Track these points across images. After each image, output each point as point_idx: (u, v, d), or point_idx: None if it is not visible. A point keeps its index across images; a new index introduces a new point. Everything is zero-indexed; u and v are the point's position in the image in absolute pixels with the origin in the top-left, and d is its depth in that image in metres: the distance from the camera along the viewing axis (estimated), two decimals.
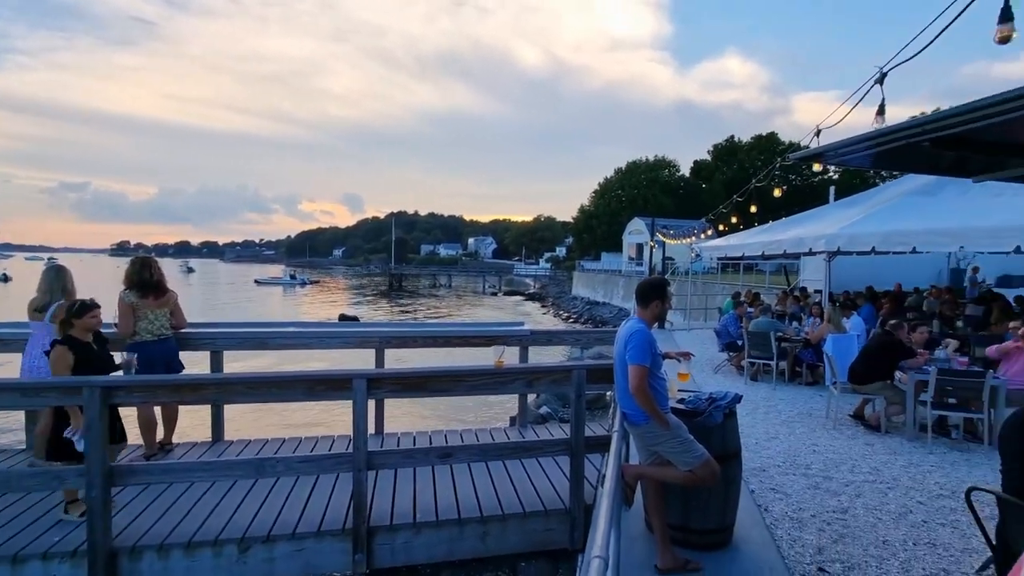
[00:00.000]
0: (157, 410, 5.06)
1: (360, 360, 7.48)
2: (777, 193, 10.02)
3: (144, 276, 4.88)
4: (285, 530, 3.70)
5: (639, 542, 3.29)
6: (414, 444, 5.39)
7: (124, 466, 3.56)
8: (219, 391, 3.70)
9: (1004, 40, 1.83)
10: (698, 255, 13.35)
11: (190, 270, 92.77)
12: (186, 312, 5.23)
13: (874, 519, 3.71)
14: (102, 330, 4.13)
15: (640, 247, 40.24)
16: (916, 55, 2.37)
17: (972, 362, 6.09)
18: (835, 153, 2.48)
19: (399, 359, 8.28)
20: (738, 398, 3.42)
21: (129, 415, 4.82)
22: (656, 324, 3.17)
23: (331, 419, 9.84)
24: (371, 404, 5.03)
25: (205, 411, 5.58)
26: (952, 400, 5.23)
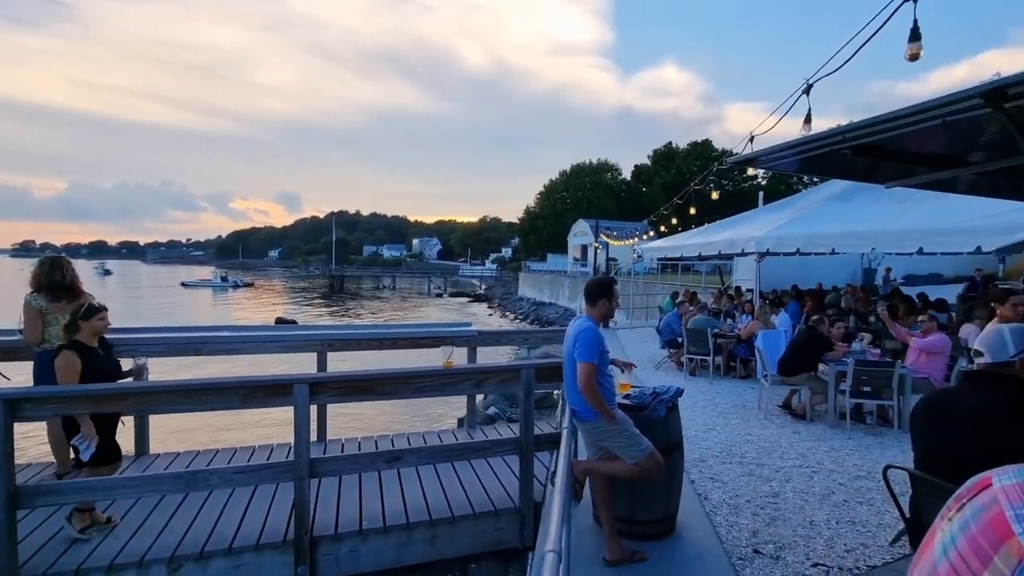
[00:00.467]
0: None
1: (302, 365, 7.18)
2: (715, 196, 10.55)
3: (54, 278, 4.44)
4: (220, 546, 3.48)
5: (587, 536, 3.35)
6: (359, 449, 5.24)
7: (31, 487, 3.22)
8: (143, 400, 3.43)
9: (913, 57, 2.02)
10: (640, 256, 13.81)
11: (107, 272, 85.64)
12: None
13: (802, 501, 3.97)
14: (2, 338, 3.73)
15: (585, 248, 41.14)
16: (839, 68, 2.57)
17: (883, 354, 6.66)
18: (766, 158, 2.63)
19: (342, 363, 8.01)
20: (680, 392, 3.56)
21: (37, 430, 4.38)
22: (603, 323, 3.25)
23: (269, 430, 9.39)
24: (313, 410, 4.85)
25: (128, 422, 5.17)
26: (867, 388, 5.70)
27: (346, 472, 3.88)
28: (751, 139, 3.49)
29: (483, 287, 56.64)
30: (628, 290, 18.04)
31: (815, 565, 3.10)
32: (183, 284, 60.20)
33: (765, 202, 13.76)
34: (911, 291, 10.81)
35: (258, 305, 42.20)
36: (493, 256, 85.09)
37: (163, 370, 5.42)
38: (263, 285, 68.95)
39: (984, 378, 1.91)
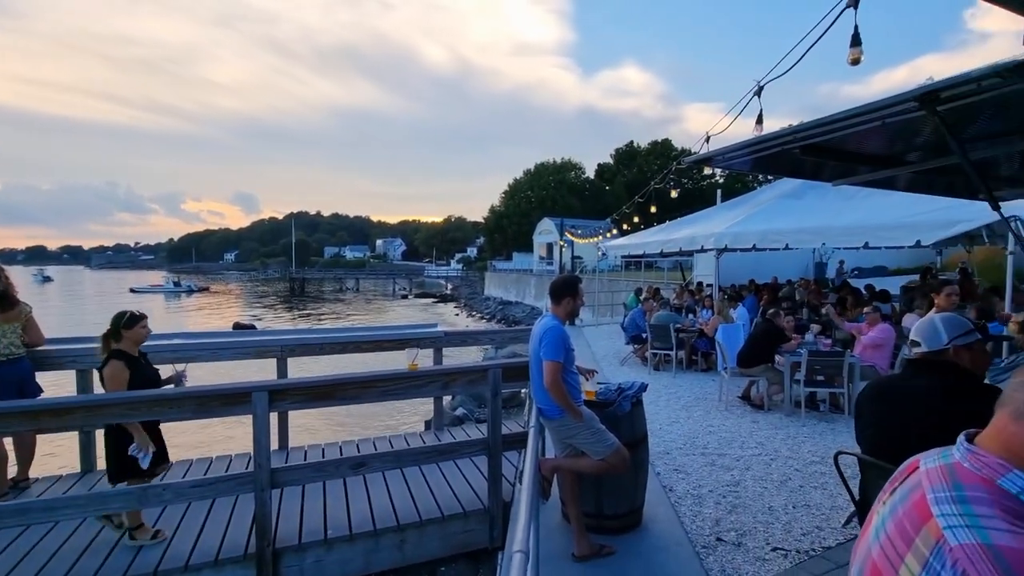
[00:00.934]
0: (8, 442, 4.35)
1: (261, 372, 6.93)
2: (674, 194, 10.82)
3: None
4: (176, 563, 3.33)
5: (556, 533, 3.38)
6: (323, 456, 5.11)
7: None
8: (88, 414, 3.23)
9: (855, 62, 2.12)
10: (604, 254, 14.02)
11: (47, 279, 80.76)
12: (43, 327, 4.55)
13: (761, 488, 4.12)
14: None
15: (550, 246, 41.45)
16: (788, 71, 2.67)
17: (834, 344, 6.98)
18: (722, 158, 2.71)
19: (304, 369, 7.81)
20: (644, 387, 3.62)
21: None
22: (569, 320, 3.27)
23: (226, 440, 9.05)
24: (274, 418, 4.70)
25: (73, 438, 4.89)
26: (820, 377, 5.96)
27: (309, 481, 3.78)
28: (707, 139, 3.60)
29: (449, 287, 56.29)
30: (593, 287, 18.28)
31: (774, 549, 3.22)
32: (132, 290, 57.30)
33: (723, 200, 14.20)
34: (859, 283, 11.39)
35: (214, 311, 40.62)
36: (459, 256, 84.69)
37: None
38: (219, 290, 66.45)
39: (921, 366, 2.02)
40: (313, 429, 9.51)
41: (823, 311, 8.36)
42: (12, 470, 4.43)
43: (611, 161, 61.35)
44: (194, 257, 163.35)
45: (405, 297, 52.58)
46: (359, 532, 3.75)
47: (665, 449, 5.00)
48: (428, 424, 7.03)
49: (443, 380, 4.10)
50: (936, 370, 1.97)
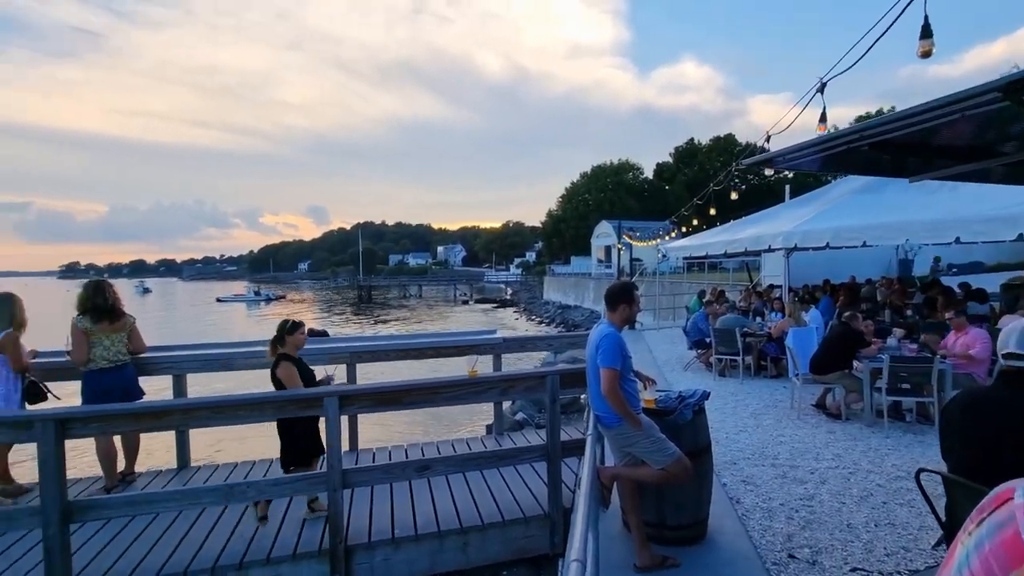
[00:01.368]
0: (117, 439, 4.87)
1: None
2: (734, 196, 10.36)
3: (97, 301, 4.69)
4: (259, 556, 3.60)
5: (617, 542, 3.35)
6: (390, 459, 5.33)
7: (83, 501, 3.40)
8: (184, 417, 3.59)
9: (926, 55, 1.98)
10: (664, 256, 13.66)
11: (146, 291, 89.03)
12: (145, 336, 5.06)
13: (838, 504, 3.88)
14: (53, 359, 3.96)
15: (608, 249, 40.86)
16: (851, 67, 2.53)
17: (920, 349, 6.43)
18: (783, 159, 2.61)
19: (367, 375, 8.17)
20: (706, 395, 3.52)
21: (86, 446, 4.61)
22: (626, 326, 3.25)
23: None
24: (344, 420, 4.97)
25: (170, 436, 5.40)
26: (905, 386, 5.51)
27: (378, 482, 3.97)
28: (767, 138, 3.45)
29: (509, 292, 56.77)
30: (653, 290, 17.84)
31: (854, 570, 3.03)
32: (218, 300, 62.12)
33: (792, 196, 13.45)
34: (952, 281, 10.40)
35: (289, 317, 43.15)
36: (518, 261, 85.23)
37: (197, 386, 5.66)
38: (294, 298, 70.66)
39: (1017, 377, 1.85)
40: (386, 425, 9.92)
41: (907, 311, 7.73)
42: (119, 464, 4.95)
43: (670, 160, 59.66)
44: (271, 267, 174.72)
45: (466, 303, 53.59)
46: (424, 533, 3.89)
47: (732, 459, 4.81)
48: (489, 428, 7.15)
49: (502, 386, 4.18)
50: None
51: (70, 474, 3.61)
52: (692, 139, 59.46)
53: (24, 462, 5.41)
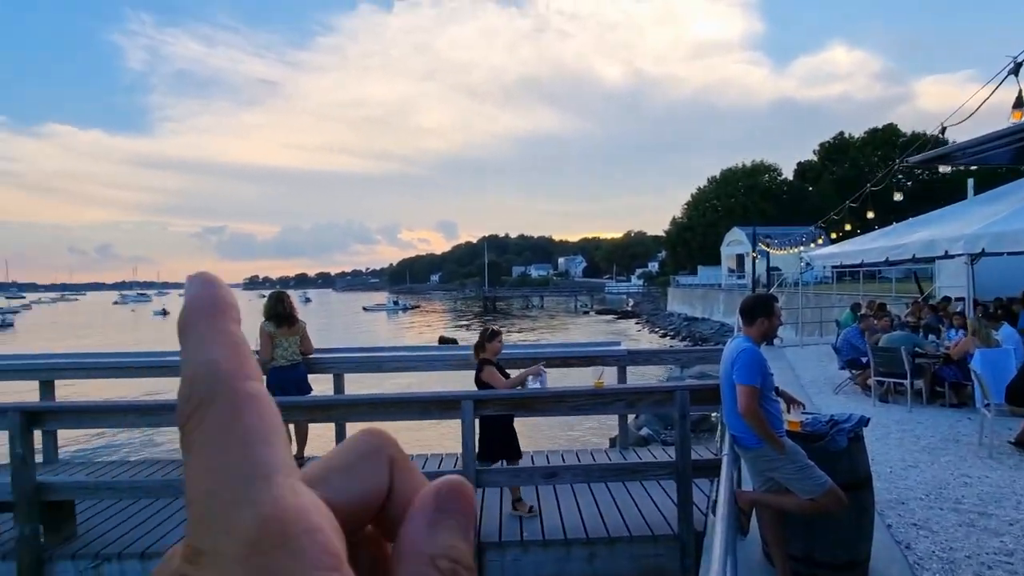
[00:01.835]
0: (290, 427, 5.70)
1: (459, 381, 7.79)
2: (898, 197, 8.99)
3: (279, 309, 5.57)
4: None
5: (758, 572, 3.13)
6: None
7: None
8: (347, 411, 4.12)
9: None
10: (809, 264, 12.37)
11: (308, 300, 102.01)
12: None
13: None
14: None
15: (741, 258, 37.93)
16: None
17: None
18: (963, 153, 2.28)
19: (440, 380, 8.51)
20: (864, 421, 3.16)
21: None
22: (764, 342, 3.06)
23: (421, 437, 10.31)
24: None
25: (329, 427, 6.17)
26: None
27: (507, 484, 4.16)
28: (942, 130, 2.99)
29: (630, 303, 55.30)
30: (796, 303, 16.15)
31: None
32: (364, 309, 69.26)
33: (977, 191, 11.35)
34: None
35: (423, 325, 46.74)
36: (639, 271, 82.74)
37: (348, 384, 6.44)
38: (426, 307, 76.26)
39: None
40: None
41: None
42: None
43: (814, 158, 53.73)
44: (408, 279, 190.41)
45: (587, 313, 53.29)
46: (551, 539, 3.98)
47: (899, 498, 4.20)
48: (613, 441, 7.06)
49: (628, 399, 4.15)
50: None
51: None
52: (841, 133, 52.94)
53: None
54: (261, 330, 5.48)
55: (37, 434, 4.37)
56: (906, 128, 47.42)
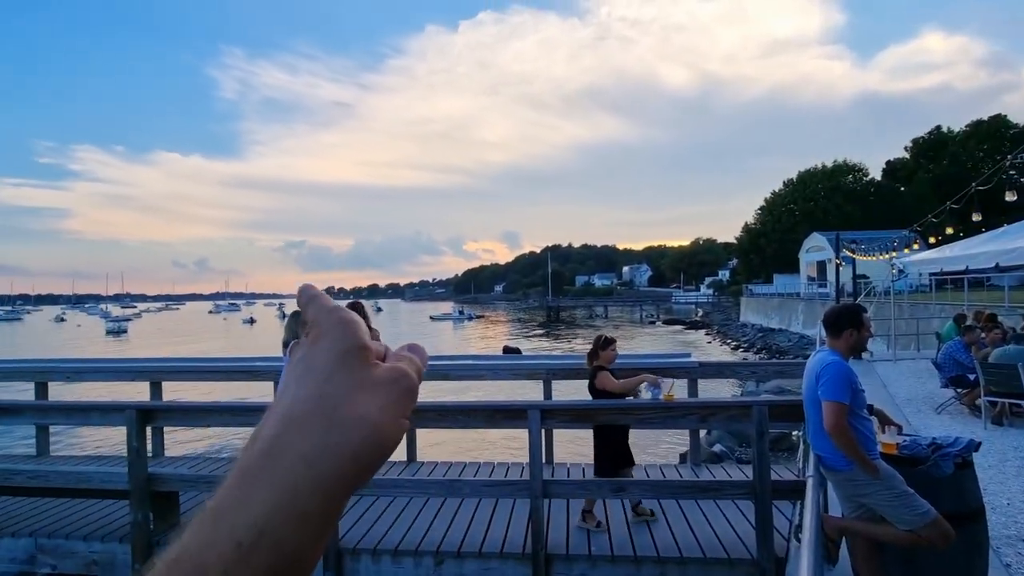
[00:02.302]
0: None
1: (522, 390, 7.81)
2: (1009, 196, 8.05)
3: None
4: (472, 548, 4.03)
5: None
6: (583, 475, 5.46)
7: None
8: (416, 417, 4.24)
9: None
10: (902, 271, 11.35)
11: (379, 309, 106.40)
12: None
13: None
14: None
15: (822, 265, 35.42)
16: None
17: None
18: None
19: (560, 392, 8.48)
20: (975, 445, 2.85)
21: None
22: (852, 355, 2.84)
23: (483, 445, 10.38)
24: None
25: None
26: None
27: (575, 496, 4.11)
28: None
29: (699, 313, 53.11)
30: (887, 313, 14.83)
31: None
32: (431, 318, 71.26)
33: None
34: None
35: (487, 334, 47.37)
36: (708, 280, 79.32)
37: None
38: (490, 317, 77.29)
39: None
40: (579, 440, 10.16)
41: None
42: None
43: (906, 155, 49.42)
44: (472, 289, 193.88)
45: (652, 323, 51.79)
46: (620, 555, 3.88)
47: (1019, 534, 3.74)
48: (683, 457, 6.79)
49: (700, 414, 3.99)
50: None
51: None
52: (938, 127, 48.38)
53: None
54: None
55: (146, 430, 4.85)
56: (1018, 119, 42.61)
